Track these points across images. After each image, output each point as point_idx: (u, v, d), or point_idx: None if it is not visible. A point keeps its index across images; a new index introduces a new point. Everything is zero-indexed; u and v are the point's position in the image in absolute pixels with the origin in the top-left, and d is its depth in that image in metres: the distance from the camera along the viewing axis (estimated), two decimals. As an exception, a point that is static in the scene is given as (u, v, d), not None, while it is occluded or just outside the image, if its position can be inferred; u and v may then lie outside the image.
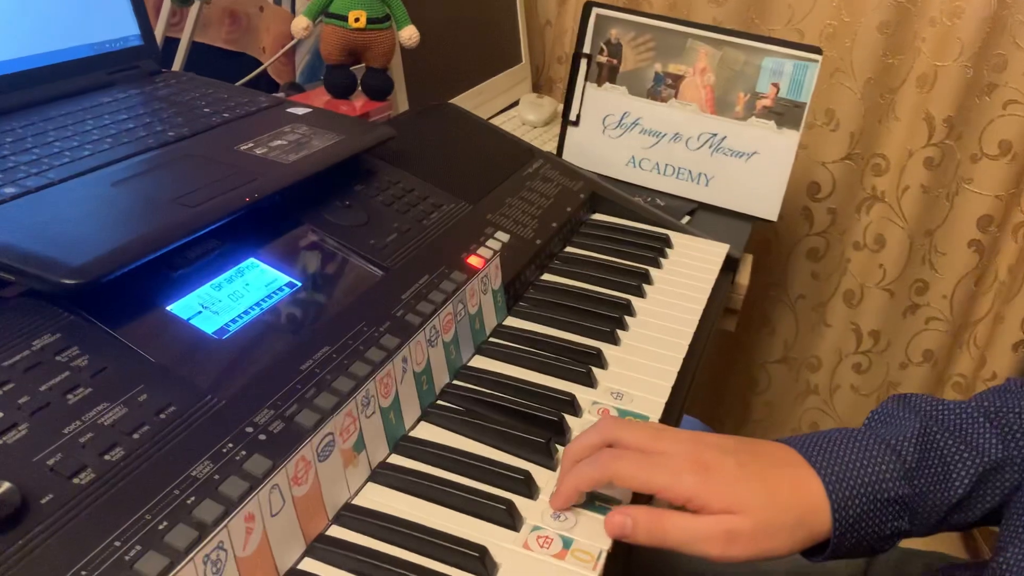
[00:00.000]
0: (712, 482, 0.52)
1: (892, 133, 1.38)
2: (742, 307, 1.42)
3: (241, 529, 0.42)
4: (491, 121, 1.28)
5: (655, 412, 0.62)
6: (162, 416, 0.47)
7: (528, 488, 0.53)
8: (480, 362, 0.67)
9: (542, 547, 0.49)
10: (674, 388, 0.66)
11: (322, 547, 0.47)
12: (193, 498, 0.43)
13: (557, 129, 1.15)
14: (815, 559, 0.56)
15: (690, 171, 1.10)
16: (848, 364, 1.55)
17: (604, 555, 0.49)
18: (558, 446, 0.58)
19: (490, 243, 0.76)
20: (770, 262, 1.51)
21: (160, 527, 0.42)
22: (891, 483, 0.55)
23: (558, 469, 0.56)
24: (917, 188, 1.39)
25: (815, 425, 1.63)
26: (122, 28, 0.83)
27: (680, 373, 0.68)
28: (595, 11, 1.10)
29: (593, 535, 0.50)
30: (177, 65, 1.15)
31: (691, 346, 0.72)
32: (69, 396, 0.46)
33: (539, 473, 0.55)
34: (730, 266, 0.92)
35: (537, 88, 1.52)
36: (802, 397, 1.61)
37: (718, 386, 1.66)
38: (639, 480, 0.52)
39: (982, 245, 1.42)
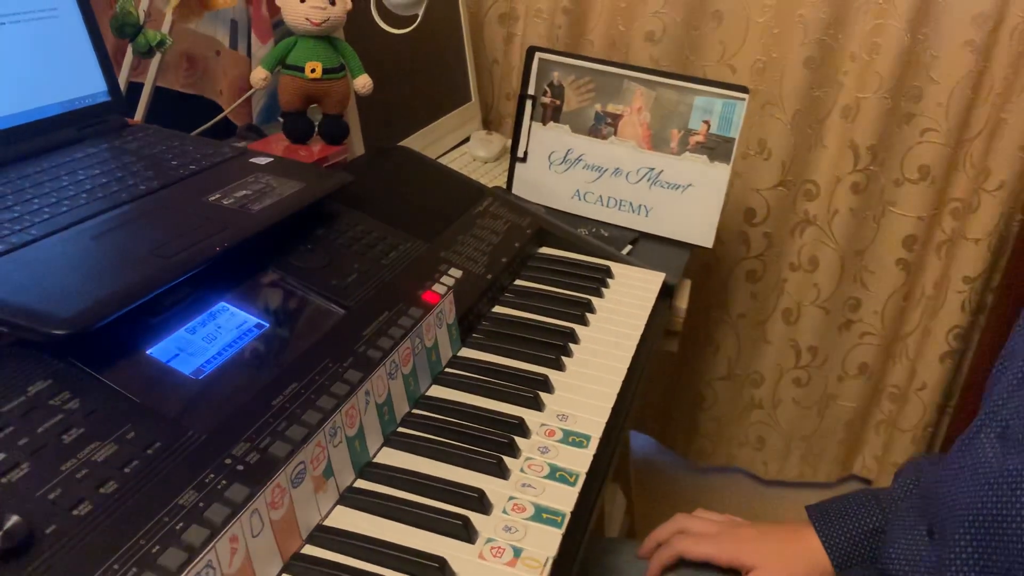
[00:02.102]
0: (744, 547, 0.79)
1: (821, 161, 1.47)
2: (687, 328, 1.49)
3: (226, 550, 0.47)
4: (443, 158, 1.34)
5: (596, 431, 0.69)
6: (149, 452, 0.52)
7: (482, 504, 0.59)
8: (437, 391, 0.72)
9: (495, 557, 0.55)
10: (614, 409, 0.72)
11: (298, 564, 0.53)
12: (181, 524, 0.48)
13: (507, 163, 1.22)
14: None
15: (631, 203, 1.17)
16: (789, 379, 1.63)
17: (550, 562, 0.55)
18: (509, 466, 0.64)
19: (444, 279, 0.81)
20: (711, 285, 1.59)
21: (153, 551, 0.47)
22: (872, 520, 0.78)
23: (510, 479, 0.63)
24: (846, 211, 1.49)
25: (761, 439, 1.71)
26: (90, 85, 0.88)
27: (620, 394, 0.74)
28: (538, 55, 1.17)
29: (540, 544, 0.56)
30: (140, 112, 1.20)
31: (630, 369, 0.79)
32: (64, 436, 0.51)
33: (492, 491, 0.61)
34: (667, 292, 0.99)
35: (487, 124, 1.58)
36: (747, 411, 1.69)
37: (667, 404, 1.74)
38: (700, 554, 0.80)
39: (908, 263, 1.52)
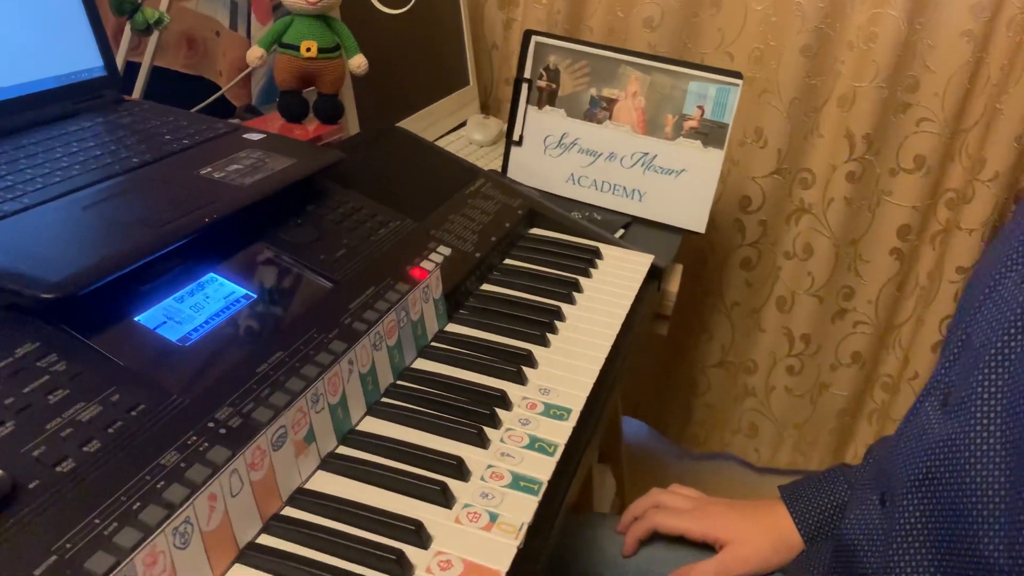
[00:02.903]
0: (717, 521, 0.81)
1: (816, 149, 1.47)
2: (681, 314, 1.50)
3: (205, 507, 0.48)
4: (440, 141, 1.35)
5: (577, 405, 0.70)
6: (133, 414, 0.53)
7: (460, 471, 0.60)
8: (422, 364, 0.73)
9: (472, 521, 0.56)
10: (596, 383, 0.73)
11: (277, 525, 0.54)
12: (162, 483, 0.49)
13: (503, 148, 1.22)
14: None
15: (624, 187, 1.18)
16: (782, 367, 1.64)
17: (525, 527, 0.56)
18: (489, 436, 0.65)
19: (433, 256, 0.82)
20: (706, 272, 1.60)
21: (134, 507, 0.48)
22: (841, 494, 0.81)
23: (489, 448, 0.64)
24: (841, 200, 1.49)
25: (753, 426, 1.72)
26: (87, 60, 0.89)
27: (603, 370, 0.75)
28: (534, 39, 1.17)
29: (516, 510, 0.57)
30: (138, 90, 1.21)
31: (614, 346, 0.80)
32: (50, 397, 0.52)
33: (471, 459, 0.62)
34: (655, 275, 1.00)
35: (485, 108, 1.59)
36: (740, 399, 1.70)
37: (661, 390, 1.74)
38: (674, 528, 0.82)
39: (903, 253, 1.52)
